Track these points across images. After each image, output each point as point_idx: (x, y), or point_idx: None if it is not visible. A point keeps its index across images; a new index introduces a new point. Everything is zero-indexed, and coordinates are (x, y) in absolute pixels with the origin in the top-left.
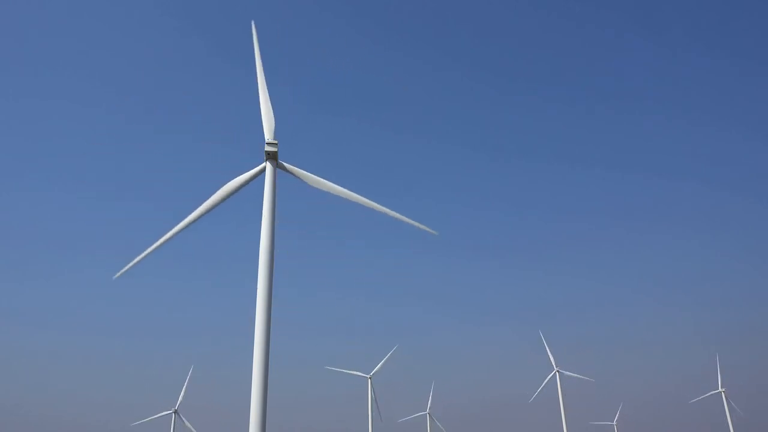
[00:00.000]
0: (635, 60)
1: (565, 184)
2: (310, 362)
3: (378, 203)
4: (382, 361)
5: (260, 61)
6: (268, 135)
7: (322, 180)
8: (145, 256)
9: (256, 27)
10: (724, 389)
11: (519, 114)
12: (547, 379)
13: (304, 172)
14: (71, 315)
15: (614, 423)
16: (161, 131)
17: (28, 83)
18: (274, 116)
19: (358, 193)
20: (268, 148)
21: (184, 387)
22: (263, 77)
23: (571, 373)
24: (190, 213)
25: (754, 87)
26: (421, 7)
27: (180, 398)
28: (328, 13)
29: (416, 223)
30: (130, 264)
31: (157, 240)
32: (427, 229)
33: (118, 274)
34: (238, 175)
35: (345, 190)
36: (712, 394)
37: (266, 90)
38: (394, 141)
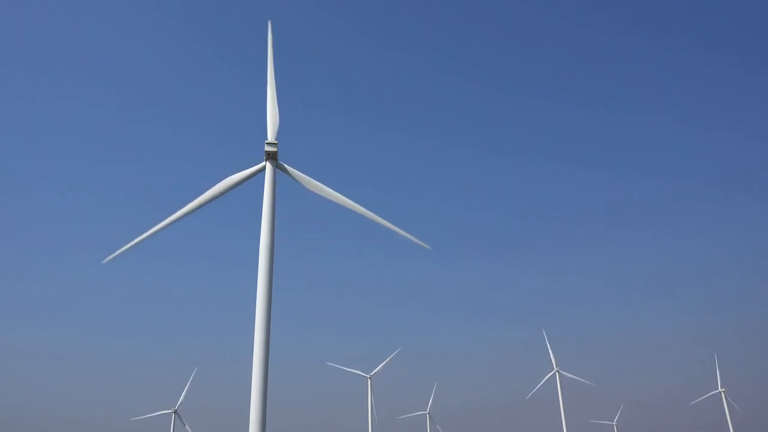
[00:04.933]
0: (635, 60)
1: (565, 184)
2: (310, 363)
3: (375, 211)
4: (383, 363)
5: (272, 62)
6: (271, 135)
7: (320, 185)
8: (137, 243)
9: (271, 27)
10: (724, 389)
11: (519, 114)
12: (545, 378)
13: (304, 176)
14: (71, 315)
15: (614, 423)
16: (161, 131)
17: (28, 83)
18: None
19: (358, 199)
20: (268, 148)
21: (186, 388)
22: (273, 79)
23: (571, 375)
24: (189, 214)
25: (754, 87)
26: (421, 7)
27: (181, 399)
28: (329, 13)
29: (410, 237)
30: (121, 249)
31: (151, 228)
32: (421, 243)
33: (107, 258)
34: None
35: (343, 197)
36: (712, 395)
37: (275, 91)
38: (394, 141)
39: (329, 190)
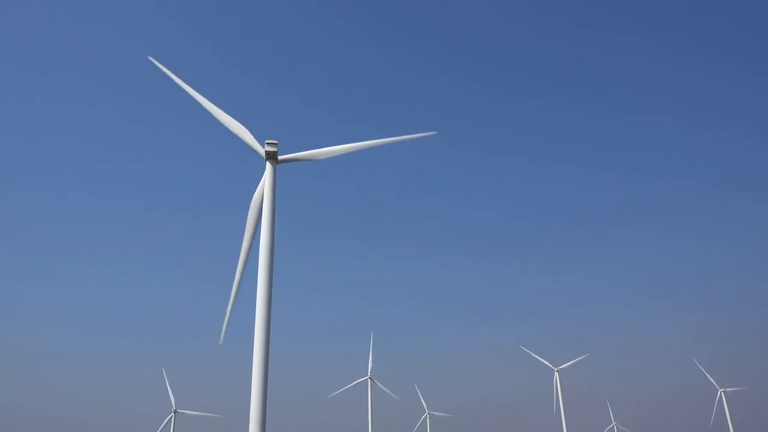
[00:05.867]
0: (635, 60)
1: (565, 184)
2: (310, 363)
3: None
4: (370, 357)
5: (191, 88)
6: (256, 147)
7: (326, 149)
8: (232, 308)
9: (157, 60)
10: (723, 389)
11: (519, 114)
12: (555, 382)
13: (307, 152)
14: (71, 315)
15: (614, 423)
16: (161, 131)
17: (28, 83)
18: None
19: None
20: (268, 148)
21: (168, 388)
22: (207, 101)
23: (567, 363)
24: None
25: (754, 87)
26: (421, 7)
27: (172, 399)
28: (329, 13)
29: (414, 136)
30: (225, 323)
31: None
32: (425, 134)
33: (221, 338)
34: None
35: (349, 145)
36: (711, 387)
37: (221, 111)
38: None
39: (335, 147)
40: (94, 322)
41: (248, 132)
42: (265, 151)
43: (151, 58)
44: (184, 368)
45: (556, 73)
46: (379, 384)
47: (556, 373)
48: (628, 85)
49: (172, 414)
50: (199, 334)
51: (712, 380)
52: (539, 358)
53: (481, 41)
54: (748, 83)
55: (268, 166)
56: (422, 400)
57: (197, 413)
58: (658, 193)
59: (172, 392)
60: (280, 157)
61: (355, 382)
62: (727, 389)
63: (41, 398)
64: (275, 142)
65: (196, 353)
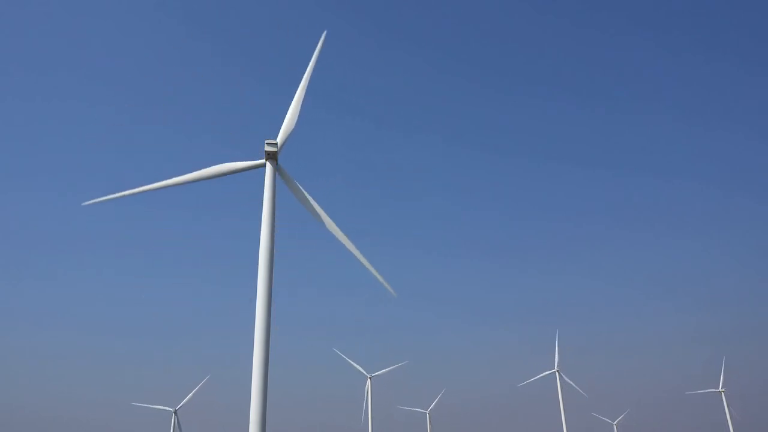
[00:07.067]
0: (635, 60)
1: (565, 184)
2: (310, 362)
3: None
4: (353, 363)
5: (158, 183)
6: (255, 164)
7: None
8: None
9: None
10: (724, 389)
11: (519, 114)
12: (544, 374)
13: (283, 126)
14: (71, 315)
15: (614, 423)
16: (162, 131)
17: (28, 83)
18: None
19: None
20: (268, 149)
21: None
22: (182, 177)
23: (556, 355)
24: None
25: (754, 87)
26: (421, 7)
27: (164, 407)
28: (329, 13)
29: (317, 50)
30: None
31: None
32: (321, 39)
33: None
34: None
35: (300, 88)
36: (711, 393)
37: (201, 171)
38: (394, 141)
39: (295, 99)
40: (94, 322)
41: (237, 163)
42: (265, 152)
43: (86, 203)
44: (184, 368)
45: (556, 73)
46: (379, 372)
47: (557, 374)
48: (628, 85)
49: (173, 414)
50: (199, 334)
51: (711, 390)
52: (540, 375)
53: (481, 41)
54: (748, 83)
55: (268, 166)
56: (416, 408)
57: (191, 394)
58: (658, 193)
59: (163, 405)
60: (278, 144)
61: (365, 392)
62: (722, 381)
63: (41, 398)
64: (275, 142)
65: (196, 353)
